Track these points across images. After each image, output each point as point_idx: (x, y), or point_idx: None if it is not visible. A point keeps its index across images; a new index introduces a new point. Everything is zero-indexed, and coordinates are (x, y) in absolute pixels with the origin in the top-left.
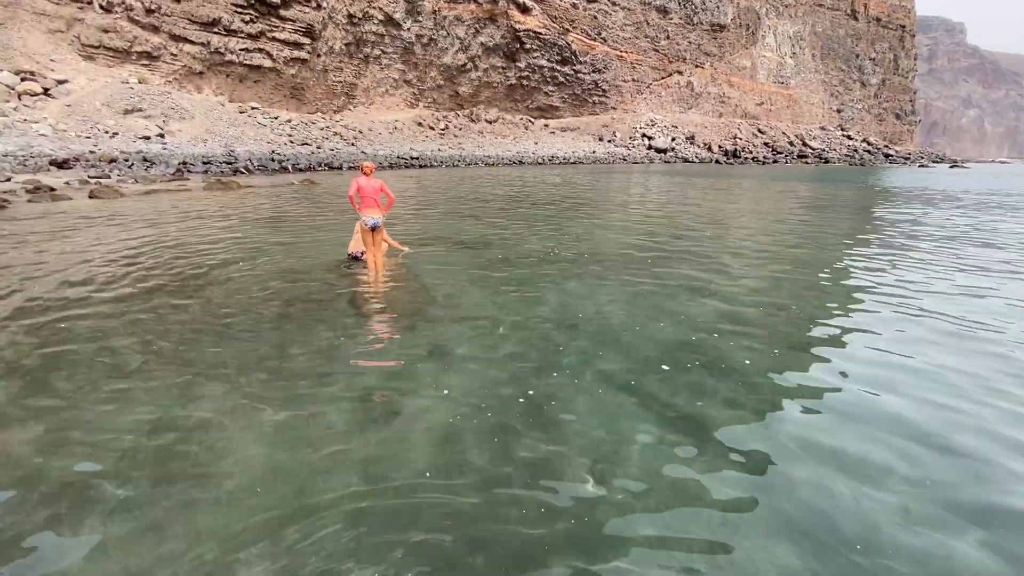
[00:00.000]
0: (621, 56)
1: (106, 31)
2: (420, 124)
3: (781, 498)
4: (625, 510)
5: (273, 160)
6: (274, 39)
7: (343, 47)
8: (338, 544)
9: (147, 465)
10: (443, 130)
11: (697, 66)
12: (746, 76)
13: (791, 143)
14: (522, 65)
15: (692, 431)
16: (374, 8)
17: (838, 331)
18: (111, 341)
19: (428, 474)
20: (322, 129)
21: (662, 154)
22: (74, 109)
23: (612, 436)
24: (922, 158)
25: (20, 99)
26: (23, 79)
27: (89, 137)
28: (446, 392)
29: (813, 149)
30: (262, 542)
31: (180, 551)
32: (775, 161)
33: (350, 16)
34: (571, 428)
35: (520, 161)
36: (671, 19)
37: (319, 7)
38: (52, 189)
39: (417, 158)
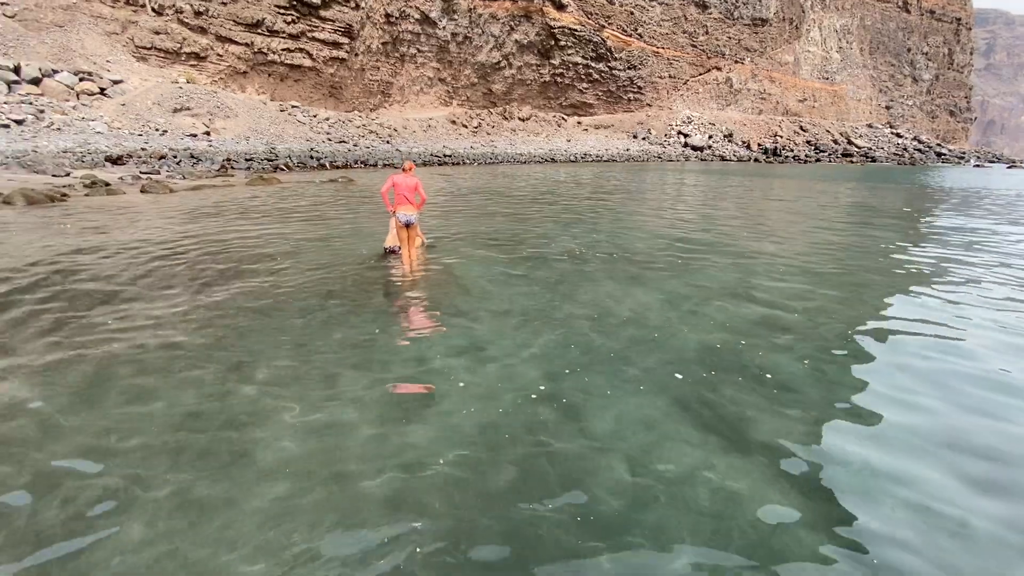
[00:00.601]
0: (657, 52)
1: (157, 33)
2: (453, 122)
3: (824, 506)
4: (658, 512)
5: (311, 157)
6: (314, 39)
7: (380, 46)
8: (372, 529)
9: (190, 445)
10: (476, 128)
11: (737, 62)
12: (788, 72)
13: (835, 141)
14: (556, 62)
15: (730, 435)
16: (411, 7)
17: (883, 339)
18: (160, 328)
19: (460, 465)
20: (358, 127)
21: (698, 152)
22: (128, 108)
23: (646, 436)
24: (977, 157)
25: (79, 98)
26: (81, 79)
27: (141, 135)
28: (479, 386)
29: (859, 147)
30: (300, 525)
31: (219, 527)
32: (817, 160)
33: (387, 16)
34: (604, 426)
35: (552, 159)
36: (710, 14)
37: (357, 7)
38: (107, 184)
39: (450, 156)
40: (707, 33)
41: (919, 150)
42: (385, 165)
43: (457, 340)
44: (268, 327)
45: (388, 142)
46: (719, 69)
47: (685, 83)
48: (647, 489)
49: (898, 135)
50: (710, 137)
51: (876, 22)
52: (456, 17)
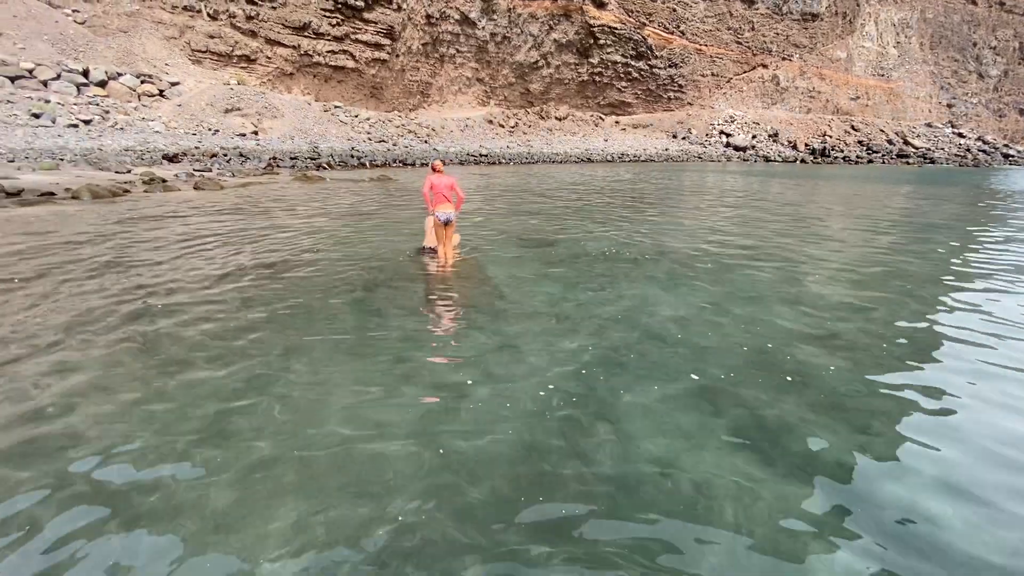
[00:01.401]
0: (700, 50)
1: (212, 37)
2: (490, 122)
3: (867, 521)
4: (695, 518)
5: (352, 156)
6: (357, 40)
7: (420, 47)
8: (407, 519)
9: (236, 431)
10: (512, 127)
11: (784, 58)
12: (840, 68)
13: (890, 141)
14: (595, 61)
15: (769, 442)
16: (451, 8)
17: (936, 351)
18: (211, 318)
19: (489, 459)
20: (398, 127)
21: (741, 152)
22: (183, 108)
23: (682, 441)
24: None
25: (140, 99)
26: (143, 81)
27: (195, 134)
28: (514, 383)
29: (916, 148)
30: (339, 513)
31: (263, 510)
32: (870, 161)
33: (428, 17)
34: (639, 428)
35: (589, 159)
36: (757, 9)
37: (399, 8)
38: (164, 180)
39: (486, 155)
40: (753, 29)
41: (984, 151)
42: (423, 164)
43: (490, 337)
44: (309, 318)
45: (426, 142)
46: (765, 67)
47: (728, 81)
48: (677, 495)
49: (960, 135)
50: (754, 137)
51: (938, 15)
52: (495, 17)
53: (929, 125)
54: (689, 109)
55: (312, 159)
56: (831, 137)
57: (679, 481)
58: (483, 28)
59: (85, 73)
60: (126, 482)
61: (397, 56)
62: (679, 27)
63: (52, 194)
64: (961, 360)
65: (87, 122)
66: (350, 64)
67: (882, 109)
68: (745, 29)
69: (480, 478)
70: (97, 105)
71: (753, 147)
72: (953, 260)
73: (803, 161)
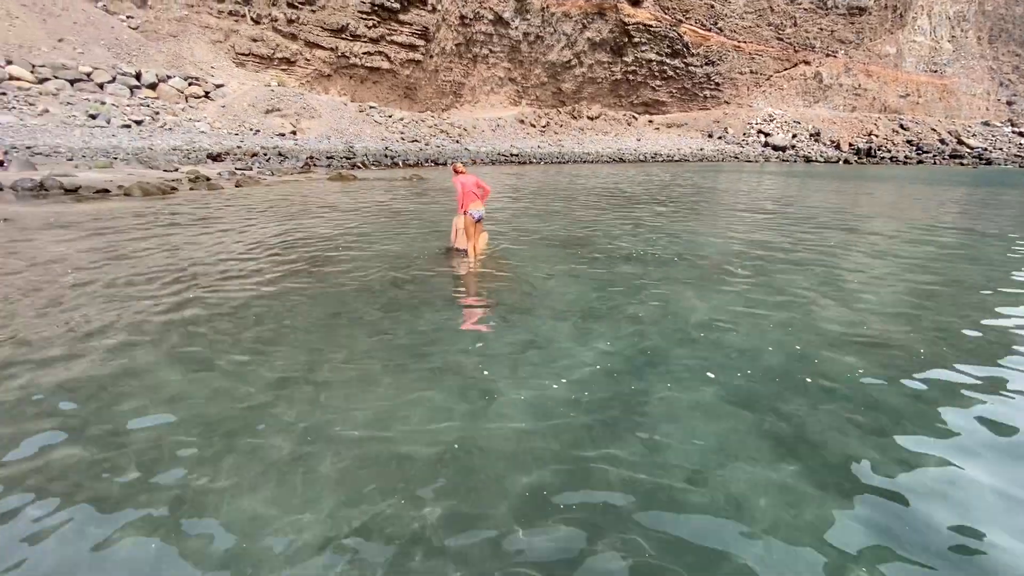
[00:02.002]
0: (739, 47)
1: (255, 40)
2: (522, 121)
3: (915, 543)
4: (725, 529)
5: (386, 156)
6: (392, 42)
7: (453, 47)
8: (432, 516)
9: (271, 420)
10: (544, 127)
11: (828, 55)
12: (889, 65)
13: (942, 141)
14: (629, 59)
15: (807, 454)
16: (485, 8)
17: (996, 366)
18: (246, 312)
19: (516, 459)
20: (430, 127)
21: (780, 152)
22: (227, 110)
23: (715, 448)
24: None
25: (187, 101)
26: (190, 83)
27: (237, 134)
28: (543, 383)
29: (971, 148)
30: (366, 503)
31: (296, 497)
32: (920, 161)
33: (462, 17)
34: (669, 434)
35: (621, 159)
36: (800, 4)
37: (434, 10)
38: (208, 179)
39: (517, 155)
40: (795, 25)
41: None
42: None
43: (518, 335)
44: (341, 313)
45: (457, 141)
46: (807, 63)
47: (768, 79)
48: (707, 504)
49: (1021, 134)
50: (794, 136)
51: (998, 7)
52: (529, 17)
53: (986, 124)
54: (726, 108)
55: (347, 159)
56: (877, 136)
57: (712, 489)
58: (516, 28)
59: (137, 76)
60: (169, 469)
61: (431, 57)
62: (716, 24)
63: (106, 191)
64: (1020, 372)
65: (138, 123)
66: (385, 65)
67: (934, 107)
68: (787, 25)
69: (507, 478)
70: (148, 106)
71: (793, 147)
72: (1013, 270)
73: (847, 162)
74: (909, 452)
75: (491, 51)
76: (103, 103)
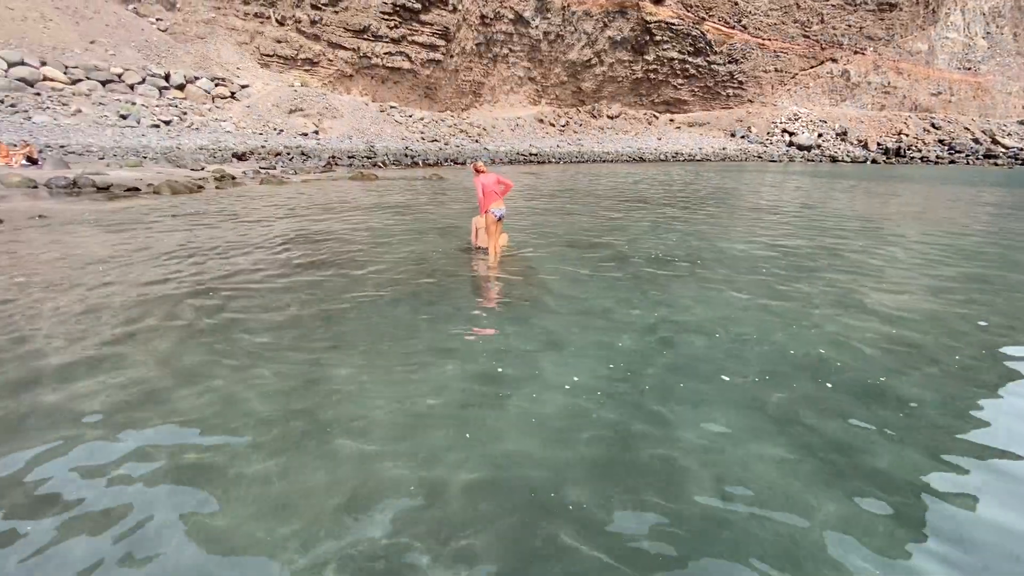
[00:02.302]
0: (763, 44)
1: (279, 41)
2: (541, 121)
3: (946, 552)
4: (749, 534)
5: (406, 155)
6: (413, 42)
7: (474, 47)
8: (448, 512)
9: (292, 415)
10: (563, 126)
11: (857, 52)
12: (920, 62)
13: (976, 140)
14: (650, 58)
15: (835, 459)
16: (505, 7)
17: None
18: (268, 306)
19: (534, 459)
20: (450, 127)
21: (805, 152)
22: (252, 110)
23: (739, 453)
24: None
25: (214, 101)
26: (216, 84)
27: (261, 134)
28: (559, 383)
29: (1007, 148)
30: (386, 496)
31: (318, 490)
32: (952, 162)
33: (482, 17)
34: (692, 437)
35: (641, 158)
36: (827, 0)
37: (455, 10)
38: (233, 177)
39: (536, 154)
40: (822, 22)
41: None
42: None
43: (537, 335)
44: (361, 310)
45: (477, 141)
46: (834, 61)
47: (793, 77)
48: (727, 511)
49: None
50: (820, 136)
51: None
52: (549, 16)
53: (1022, 123)
54: (749, 107)
55: (368, 158)
56: (907, 135)
57: (734, 494)
58: (536, 27)
59: (166, 77)
60: (195, 452)
61: (451, 57)
62: (740, 21)
63: (136, 189)
64: None
65: (167, 123)
66: (406, 65)
67: (967, 105)
68: (814, 22)
69: (522, 476)
70: (176, 107)
71: (819, 146)
72: None
73: (874, 161)
74: (934, 460)
75: (511, 50)
76: (133, 104)
